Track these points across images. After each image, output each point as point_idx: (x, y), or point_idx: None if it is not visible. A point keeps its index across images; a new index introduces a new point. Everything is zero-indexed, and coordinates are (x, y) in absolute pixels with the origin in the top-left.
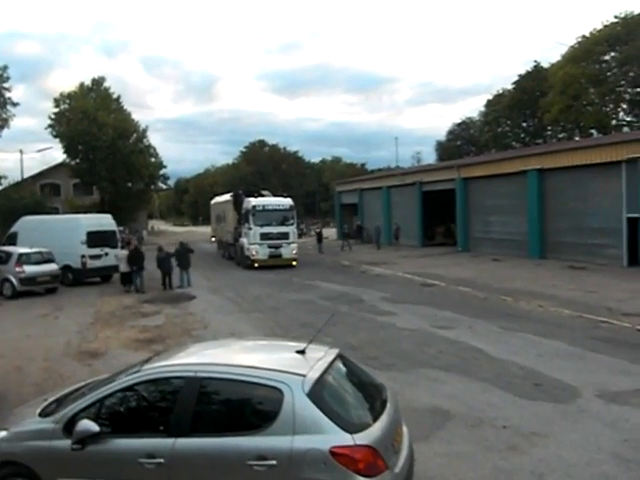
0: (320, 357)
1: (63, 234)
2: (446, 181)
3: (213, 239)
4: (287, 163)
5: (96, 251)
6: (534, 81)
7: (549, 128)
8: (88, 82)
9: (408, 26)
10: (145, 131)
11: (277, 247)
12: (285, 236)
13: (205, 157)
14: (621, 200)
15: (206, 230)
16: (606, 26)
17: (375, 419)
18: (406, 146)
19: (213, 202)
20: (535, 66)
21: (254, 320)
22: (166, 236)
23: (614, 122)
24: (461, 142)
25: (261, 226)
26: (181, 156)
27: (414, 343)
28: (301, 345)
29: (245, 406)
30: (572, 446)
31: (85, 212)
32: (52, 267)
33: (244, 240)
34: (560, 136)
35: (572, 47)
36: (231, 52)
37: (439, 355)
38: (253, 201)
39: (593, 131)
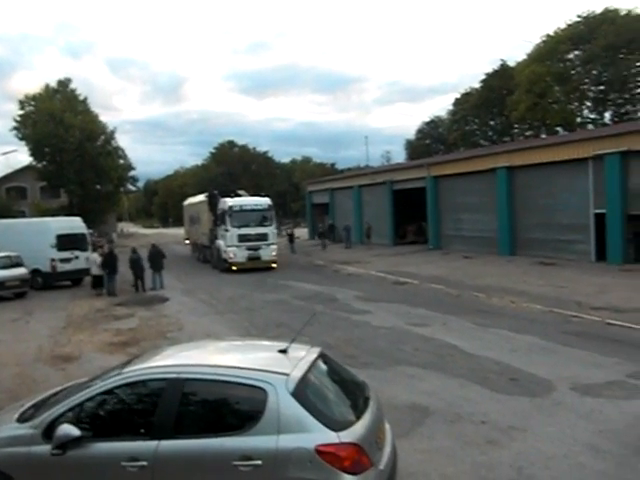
0: (302, 356)
1: (32, 238)
2: (417, 179)
3: (187, 241)
4: (257, 163)
5: (66, 254)
6: (501, 80)
7: (516, 126)
8: (54, 84)
9: (375, 26)
10: (113, 133)
11: (256, 249)
12: (264, 237)
13: (174, 158)
14: (588, 196)
15: (177, 232)
16: (569, 25)
17: (359, 417)
18: (375, 145)
19: (186, 203)
20: (502, 65)
21: (229, 321)
22: (136, 238)
23: (579, 120)
24: (430, 141)
25: (238, 227)
26: (150, 158)
27: (390, 341)
28: (282, 345)
29: (229, 406)
30: (549, 439)
31: (53, 215)
32: (21, 271)
33: (220, 242)
34: (527, 134)
35: (537, 46)
36: (198, 52)
37: (415, 352)
38: (229, 201)
39: (559, 128)
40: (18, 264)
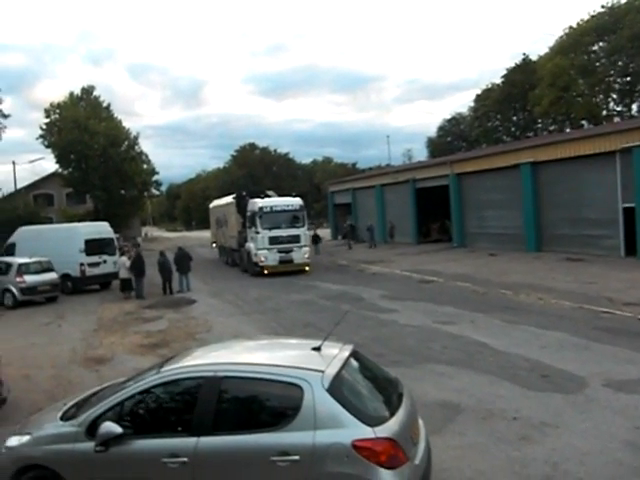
0: (335, 353)
1: (61, 243)
2: (439, 177)
3: (214, 245)
4: (278, 165)
5: (94, 259)
6: (523, 74)
7: (539, 121)
8: (78, 91)
9: (392, 24)
10: (137, 138)
11: (288, 251)
12: (296, 239)
13: (195, 162)
14: (616, 190)
15: (201, 235)
16: (593, 16)
17: (393, 412)
18: (396, 144)
19: (212, 206)
20: (524, 59)
21: (256, 322)
22: (160, 242)
23: (605, 112)
24: (452, 138)
25: (269, 229)
26: (170, 162)
27: (418, 339)
28: (315, 343)
29: (266, 403)
30: (584, 435)
31: (79, 221)
32: (52, 276)
33: (251, 245)
34: (551, 128)
35: (560, 38)
36: (217, 56)
37: (444, 350)
38: (259, 202)
39: (584, 122)
40: (49, 269)
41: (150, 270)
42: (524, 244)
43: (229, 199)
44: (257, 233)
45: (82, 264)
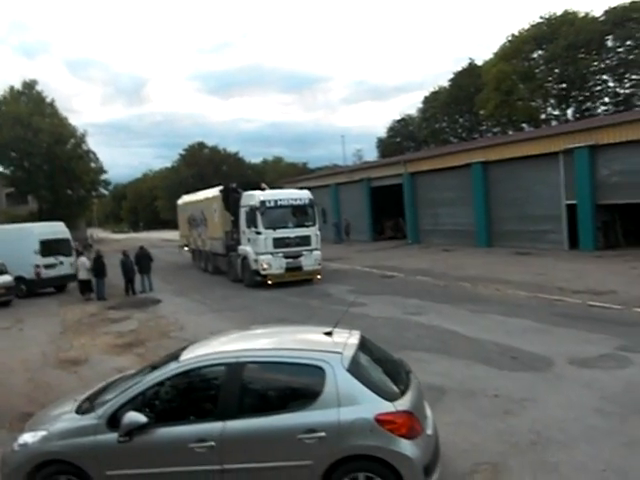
0: (347, 337)
1: (14, 244)
2: (393, 176)
3: (185, 248)
4: (228, 164)
5: (50, 260)
6: (469, 78)
7: (484, 123)
8: (18, 86)
9: (338, 25)
10: (84, 136)
11: (296, 256)
12: (306, 241)
13: (139, 161)
14: (559, 188)
15: (149, 236)
16: (533, 26)
17: (406, 388)
18: (344, 144)
19: (182, 202)
20: (469, 64)
21: (229, 319)
22: (108, 243)
23: (543, 116)
24: (401, 138)
25: (274, 229)
26: (113, 161)
27: (392, 329)
28: (326, 329)
29: (289, 385)
30: (559, 406)
31: (22, 222)
32: (6, 279)
33: (247, 249)
34: (495, 130)
35: (503, 45)
36: (161, 52)
37: (418, 339)
38: (260, 195)
39: (525, 125)
40: (2, 271)
41: (109, 271)
42: (476, 240)
43: (210, 193)
44: (258, 234)
45: (37, 266)
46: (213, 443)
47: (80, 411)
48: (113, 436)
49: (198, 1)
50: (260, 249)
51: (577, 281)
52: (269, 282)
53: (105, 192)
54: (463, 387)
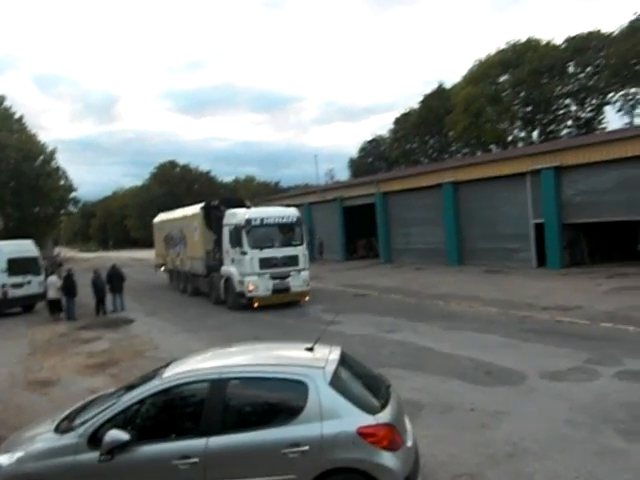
0: (328, 353)
1: None
2: (366, 196)
3: (162, 268)
4: (200, 183)
5: (18, 279)
6: (439, 100)
7: (454, 144)
8: None
9: (310, 46)
10: (53, 153)
11: (284, 277)
12: (293, 261)
13: (108, 179)
14: (527, 208)
15: (119, 255)
16: (499, 51)
17: (386, 401)
18: (317, 164)
19: (158, 220)
20: (439, 86)
21: (204, 338)
22: (76, 262)
23: (510, 138)
24: (372, 158)
25: (260, 248)
26: (82, 179)
27: (367, 347)
28: (307, 345)
29: (272, 400)
30: (532, 418)
31: None
32: None
33: (231, 270)
34: (464, 151)
35: (471, 69)
36: (132, 70)
37: (393, 355)
38: (246, 213)
39: (493, 146)
40: None
41: (79, 290)
42: (447, 258)
43: (190, 210)
44: (243, 254)
45: (4, 285)
46: (197, 459)
47: (59, 430)
48: (94, 455)
49: (169, 19)
50: (245, 270)
51: (545, 298)
52: (255, 305)
53: (74, 210)
54: (440, 402)
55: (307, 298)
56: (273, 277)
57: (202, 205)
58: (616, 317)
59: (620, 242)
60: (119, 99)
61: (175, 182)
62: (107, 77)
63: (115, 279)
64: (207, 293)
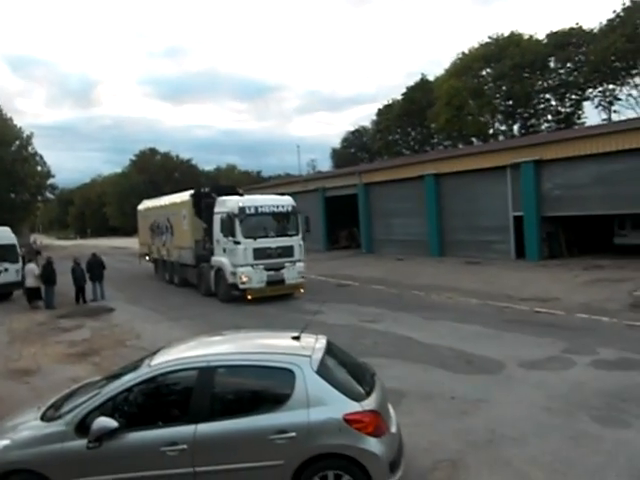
0: (314, 342)
1: None
2: (348, 187)
3: (147, 258)
4: (180, 171)
5: None
6: (421, 92)
7: (436, 136)
8: None
9: (293, 35)
10: (30, 138)
11: (278, 269)
12: (288, 252)
13: (86, 166)
14: (507, 201)
15: (98, 243)
16: (482, 45)
17: (371, 389)
18: (297, 153)
19: (143, 207)
20: (422, 79)
21: (186, 326)
22: (54, 250)
23: (491, 131)
24: (355, 149)
25: (254, 238)
26: (59, 165)
27: (349, 336)
28: (293, 333)
29: (260, 388)
30: (511, 406)
31: None
32: None
33: (223, 260)
34: (446, 143)
35: (454, 62)
36: (111, 54)
37: (375, 345)
38: (239, 201)
39: (474, 139)
40: None
41: (58, 279)
42: (428, 249)
43: (178, 197)
44: (236, 243)
45: None
46: (185, 446)
47: (46, 418)
48: (82, 442)
49: (150, 2)
50: (239, 260)
51: (524, 289)
52: (249, 297)
53: (51, 197)
54: (421, 390)
55: (302, 290)
56: (267, 268)
57: (191, 192)
58: (591, 308)
59: (597, 235)
60: (98, 84)
61: (155, 170)
62: (85, 61)
63: (95, 267)
64: (196, 284)
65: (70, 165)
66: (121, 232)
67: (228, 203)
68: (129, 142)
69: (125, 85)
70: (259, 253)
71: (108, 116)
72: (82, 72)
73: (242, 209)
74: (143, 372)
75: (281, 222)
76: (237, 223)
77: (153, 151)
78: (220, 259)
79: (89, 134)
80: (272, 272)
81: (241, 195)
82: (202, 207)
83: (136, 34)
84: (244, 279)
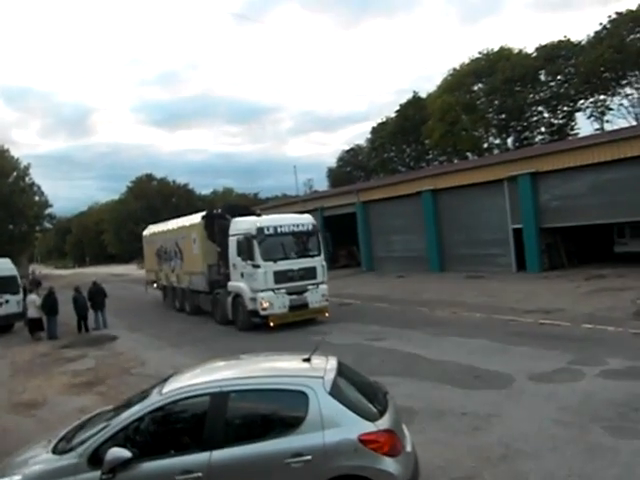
0: (325, 363)
1: None
2: (346, 205)
3: (155, 285)
4: (177, 196)
5: None
6: (415, 109)
7: (430, 152)
8: None
9: (284, 56)
10: (27, 168)
11: (301, 292)
12: (311, 274)
13: (82, 194)
14: (506, 213)
15: (97, 271)
16: (472, 60)
17: (385, 408)
18: (293, 174)
19: (149, 232)
20: (414, 95)
21: (190, 353)
22: (53, 280)
23: (485, 145)
24: (351, 168)
25: (274, 261)
26: (55, 194)
27: (356, 355)
28: (304, 355)
29: (274, 411)
30: (522, 420)
31: None
32: None
33: (241, 285)
34: (441, 159)
35: (446, 78)
36: (104, 82)
37: (383, 364)
38: (257, 221)
39: (469, 154)
40: None
41: (60, 308)
42: (428, 265)
43: (187, 220)
44: (256, 267)
45: None
46: (200, 474)
47: (57, 451)
48: (95, 474)
49: (141, 30)
50: (259, 285)
51: (527, 301)
52: (271, 324)
53: (49, 226)
54: (432, 407)
55: (327, 314)
56: (289, 292)
57: (203, 214)
58: (596, 318)
59: (596, 245)
60: (92, 112)
61: (152, 196)
62: (79, 90)
63: (97, 296)
64: (210, 312)
65: (66, 194)
66: (119, 259)
67: (244, 224)
68: (125, 169)
69: (119, 112)
70: (280, 276)
71: (103, 144)
72: (76, 101)
73: (260, 229)
74: (154, 400)
75: (302, 242)
76: (255, 245)
77: (149, 177)
78: (238, 284)
79: (85, 162)
80: (295, 296)
81: (258, 215)
82: (215, 229)
83: (129, 61)
84: (265, 305)
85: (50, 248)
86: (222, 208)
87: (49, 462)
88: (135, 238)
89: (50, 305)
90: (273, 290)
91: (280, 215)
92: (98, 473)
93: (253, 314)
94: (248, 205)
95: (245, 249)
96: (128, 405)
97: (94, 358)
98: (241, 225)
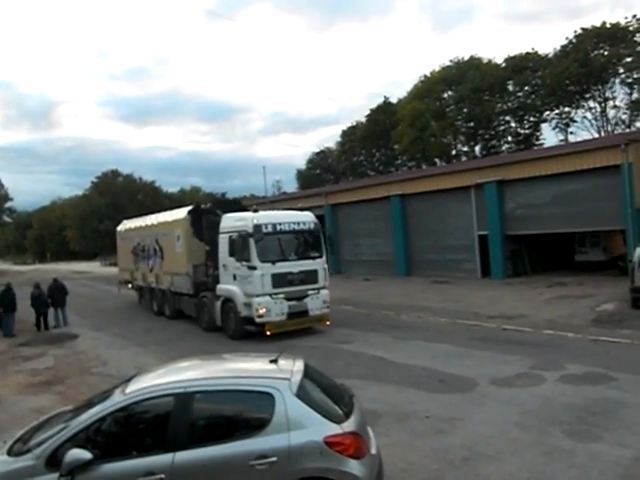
0: (292, 364)
1: None
2: (315, 208)
3: (130, 285)
4: (144, 193)
5: None
6: (385, 114)
7: (400, 157)
8: None
9: (256, 56)
10: None
11: (300, 298)
12: (312, 278)
13: (45, 188)
14: (472, 220)
15: (57, 267)
16: (443, 68)
17: (350, 411)
18: (262, 175)
19: (123, 228)
20: (384, 101)
21: (154, 352)
22: (11, 276)
23: (454, 152)
24: (320, 170)
25: (272, 262)
26: (15, 188)
27: (322, 358)
28: (271, 356)
29: (239, 413)
30: (485, 423)
31: None
32: None
33: (233, 289)
34: (410, 164)
35: (416, 85)
36: (71, 75)
37: (348, 366)
38: (253, 217)
39: (437, 160)
40: None
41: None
42: (395, 269)
43: (170, 216)
44: (252, 269)
45: None
46: (163, 475)
47: (13, 453)
48: (53, 477)
49: (111, 24)
50: (254, 289)
51: (491, 307)
52: (268, 333)
53: (9, 220)
54: (396, 410)
55: (328, 322)
56: (288, 298)
57: (189, 209)
58: (557, 324)
59: (558, 253)
60: (57, 105)
61: (117, 192)
62: (43, 82)
63: (57, 293)
64: (194, 317)
65: (28, 188)
66: (82, 256)
67: (239, 221)
68: (90, 164)
69: (86, 106)
70: (279, 280)
71: (68, 137)
72: (41, 92)
73: (258, 227)
74: (117, 400)
75: (303, 242)
76: (252, 244)
77: (115, 173)
78: (229, 287)
79: (48, 156)
80: (294, 302)
81: (255, 211)
82: (203, 226)
83: (97, 55)
84: (262, 311)
85: (9, 243)
86: (211, 202)
87: (4, 464)
88: (99, 235)
89: (8, 301)
90: (270, 295)
91: (278, 212)
92: (56, 475)
93: (247, 321)
94: (239, 200)
95: (240, 248)
96: (89, 405)
97: (53, 357)
98: (235, 222)
